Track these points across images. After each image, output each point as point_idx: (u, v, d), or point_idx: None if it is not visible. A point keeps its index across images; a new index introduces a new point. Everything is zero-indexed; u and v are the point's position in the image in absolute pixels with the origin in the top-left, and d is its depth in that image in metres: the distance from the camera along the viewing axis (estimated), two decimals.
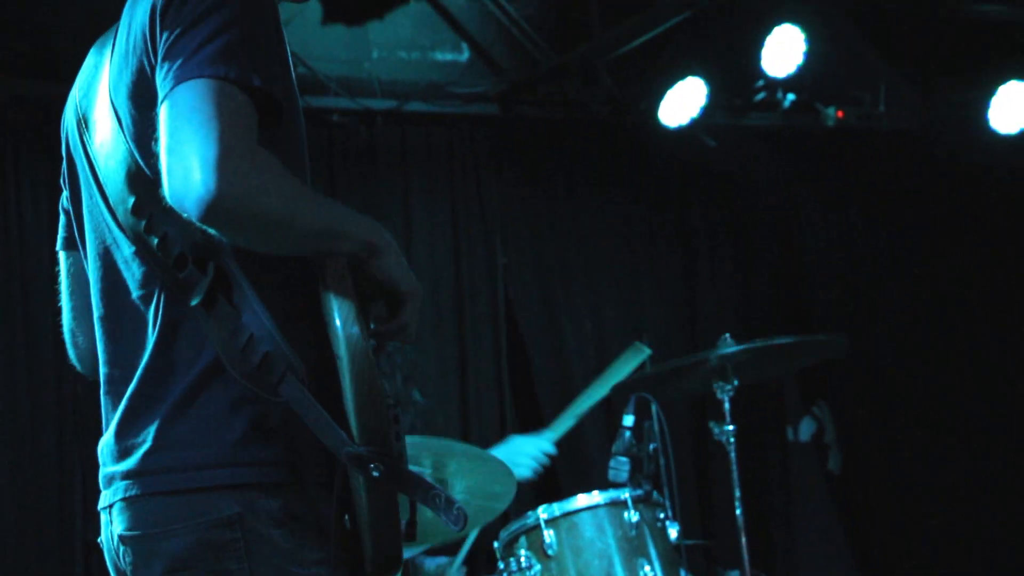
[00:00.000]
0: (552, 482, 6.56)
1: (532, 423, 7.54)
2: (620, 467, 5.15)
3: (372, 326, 2.44)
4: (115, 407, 2.52)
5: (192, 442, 2.39)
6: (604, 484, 5.11)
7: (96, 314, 2.60)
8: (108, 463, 2.53)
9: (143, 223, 2.40)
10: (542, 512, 4.95)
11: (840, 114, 7.71)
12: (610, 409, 7.33)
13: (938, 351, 8.29)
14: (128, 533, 2.46)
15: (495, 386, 7.51)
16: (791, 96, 7.65)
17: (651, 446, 5.22)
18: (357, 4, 7.22)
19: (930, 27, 7.68)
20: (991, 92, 7.40)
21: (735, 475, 5.26)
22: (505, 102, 7.59)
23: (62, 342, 2.80)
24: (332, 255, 2.35)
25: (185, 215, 2.22)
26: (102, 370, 2.59)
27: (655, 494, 5.09)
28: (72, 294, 2.78)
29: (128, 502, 2.45)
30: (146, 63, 2.38)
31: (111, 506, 2.50)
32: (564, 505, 4.98)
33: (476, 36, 7.52)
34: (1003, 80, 7.38)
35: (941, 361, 8.28)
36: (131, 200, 2.41)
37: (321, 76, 7.09)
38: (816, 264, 8.28)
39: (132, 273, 2.49)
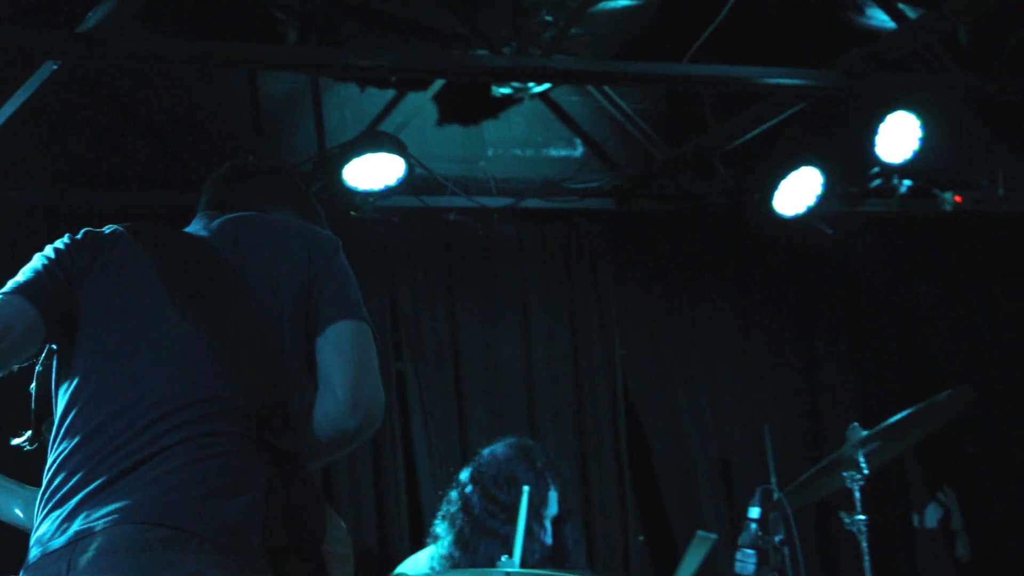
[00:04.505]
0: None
1: (653, 516, 7.54)
2: (747, 559, 5.14)
3: None
4: None
5: None
6: None
7: None
8: None
9: None
10: None
11: (958, 198, 7.65)
12: (735, 502, 7.30)
13: None
14: None
15: (616, 479, 7.49)
16: (907, 182, 7.62)
17: (776, 538, 5.20)
18: (471, 104, 7.34)
19: None
20: None
21: (867, 565, 5.21)
22: (620, 196, 7.63)
23: None
24: None
25: None
26: None
27: None
28: None
29: None
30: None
31: None
32: None
33: (590, 132, 7.59)
34: None
35: None
36: None
37: (438, 176, 7.20)
38: (937, 351, 8.16)
39: None
